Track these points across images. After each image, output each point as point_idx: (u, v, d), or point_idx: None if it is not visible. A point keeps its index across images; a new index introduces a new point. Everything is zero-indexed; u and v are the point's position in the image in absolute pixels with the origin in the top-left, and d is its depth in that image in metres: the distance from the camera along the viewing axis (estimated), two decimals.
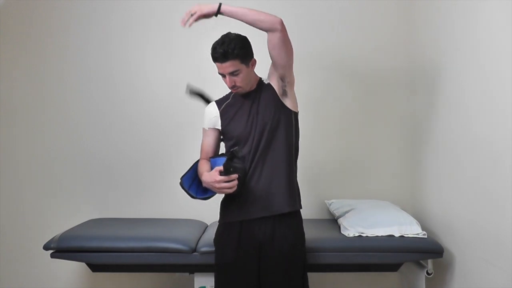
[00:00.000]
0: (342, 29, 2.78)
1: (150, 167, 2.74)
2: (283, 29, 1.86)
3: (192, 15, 1.89)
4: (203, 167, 1.97)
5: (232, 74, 1.88)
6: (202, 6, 1.88)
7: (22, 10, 2.71)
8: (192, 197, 1.99)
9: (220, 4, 1.87)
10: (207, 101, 2.09)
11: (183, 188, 1.99)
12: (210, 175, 1.84)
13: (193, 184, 2.02)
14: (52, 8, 2.72)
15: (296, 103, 2.03)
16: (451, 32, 2.25)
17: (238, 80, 1.90)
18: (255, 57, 1.97)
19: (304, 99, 2.71)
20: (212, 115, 2.04)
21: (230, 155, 1.84)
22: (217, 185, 1.81)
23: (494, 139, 1.86)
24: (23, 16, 2.72)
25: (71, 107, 2.74)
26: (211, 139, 2.06)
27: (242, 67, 1.89)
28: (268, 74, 2.00)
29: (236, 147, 1.94)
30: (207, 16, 1.89)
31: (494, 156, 1.86)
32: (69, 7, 2.72)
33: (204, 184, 1.91)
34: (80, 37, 2.74)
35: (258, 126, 1.94)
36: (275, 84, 1.97)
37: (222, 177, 1.80)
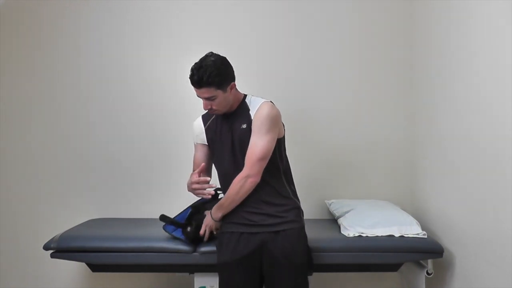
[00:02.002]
0: (341, 24, 2.78)
1: (150, 167, 2.74)
2: (255, 173, 1.91)
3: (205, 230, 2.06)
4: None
5: (207, 99, 1.90)
6: (209, 224, 2.04)
7: (23, 10, 2.71)
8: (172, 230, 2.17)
9: (210, 215, 2.02)
10: (178, 224, 2.16)
11: (165, 221, 2.12)
12: (190, 178, 1.96)
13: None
14: (54, 7, 2.72)
15: (282, 130, 2.04)
16: (452, 32, 2.25)
17: (214, 104, 1.92)
18: (238, 71, 1.98)
19: (303, 98, 2.74)
20: (198, 131, 2.10)
21: (194, 209, 2.12)
22: (191, 186, 1.93)
23: (494, 139, 1.86)
24: (24, 16, 2.71)
25: (71, 107, 2.74)
26: (201, 153, 2.12)
27: (218, 93, 1.89)
28: (253, 122, 1.96)
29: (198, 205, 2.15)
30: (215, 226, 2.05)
31: (494, 156, 1.86)
32: (69, 7, 2.72)
33: (188, 190, 1.99)
34: (83, 37, 2.74)
35: (234, 146, 1.97)
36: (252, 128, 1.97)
37: (195, 179, 1.92)
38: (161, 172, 2.74)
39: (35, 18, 2.72)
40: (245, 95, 2.05)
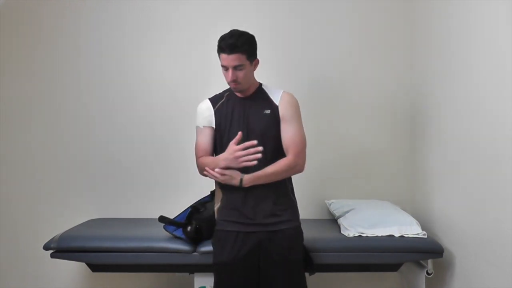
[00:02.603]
0: (344, 30, 2.79)
1: (150, 167, 2.74)
2: (303, 162, 1.94)
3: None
4: (210, 159, 1.95)
5: (235, 68, 1.88)
6: (233, 175, 1.86)
7: (23, 10, 2.71)
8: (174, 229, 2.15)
9: (241, 179, 1.87)
10: (178, 224, 2.15)
11: (166, 222, 2.12)
12: (227, 150, 1.85)
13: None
14: (54, 7, 2.72)
15: None
16: (453, 32, 2.25)
17: (241, 75, 1.90)
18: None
19: (303, 99, 2.73)
20: (206, 113, 2.02)
21: (193, 209, 2.09)
22: (236, 154, 1.81)
23: (494, 139, 1.86)
24: (24, 16, 2.71)
25: (71, 107, 2.74)
26: (208, 137, 2.02)
27: (247, 63, 1.90)
28: (281, 108, 1.97)
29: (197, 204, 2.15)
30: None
31: (494, 156, 1.86)
32: (69, 7, 2.72)
33: (223, 164, 1.86)
34: (83, 37, 2.74)
35: (251, 131, 1.94)
36: (282, 114, 1.97)
37: (239, 146, 1.81)
38: (161, 172, 2.73)
39: (35, 18, 2.72)
40: (260, 83, 2.05)
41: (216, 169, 1.85)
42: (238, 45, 1.85)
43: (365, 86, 2.78)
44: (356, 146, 2.78)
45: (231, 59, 1.86)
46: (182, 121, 2.69)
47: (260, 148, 1.81)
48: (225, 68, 1.90)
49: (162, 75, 2.75)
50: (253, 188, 1.90)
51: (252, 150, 1.80)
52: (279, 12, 2.77)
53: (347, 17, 2.78)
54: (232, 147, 1.84)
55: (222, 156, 1.88)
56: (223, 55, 1.88)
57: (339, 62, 2.78)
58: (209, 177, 1.94)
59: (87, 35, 2.74)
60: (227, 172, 1.86)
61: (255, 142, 1.81)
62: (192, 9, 2.75)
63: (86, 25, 2.74)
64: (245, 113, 1.96)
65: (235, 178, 1.87)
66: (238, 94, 2.00)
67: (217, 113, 2.00)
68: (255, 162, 1.82)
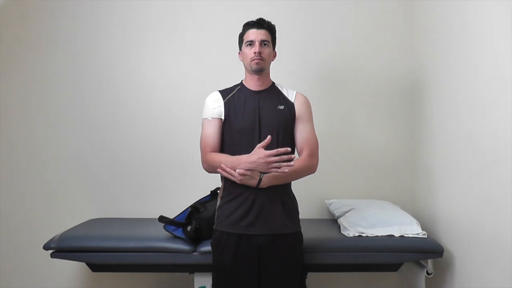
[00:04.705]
0: (345, 33, 2.79)
1: (150, 167, 2.74)
2: (317, 163, 1.99)
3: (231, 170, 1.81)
4: (225, 158, 1.87)
5: (262, 42, 1.93)
6: (253, 175, 1.80)
7: (22, 10, 2.71)
8: (174, 230, 2.16)
9: (260, 177, 1.82)
10: (178, 223, 2.16)
11: (168, 222, 2.14)
12: (256, 154, 1.78)
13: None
14: (53, 7, 2.72)
15: None
16: (452, 33, 2.25)
17: (266, 51, 1.94)
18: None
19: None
20: (215, 104, 1.97)
21: (193, 209, 2.12)
22: (268, 159, 1.75)
23: (494, 139, 1.86)
24: (24, 16, 2.71)
25: (71, 106, 2.73)
26: (216, 130, 1.94)
27: (270, 44, 1.97)
28: (298, 107, 1.99)
29: (197, 204, 2.17)
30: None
31: (494, 156, 1.86)
32: (69, 6, 2.72)
33: (249, 167, 1.79)
34: (83, 37, 2.74)
35: (263, 124, 1.91)
36: (298, 113, 1.98)
37: (272, 152, 1.75)
38: (161, 172, 2.73)
39: (35, 18, 2.72)
40: (273, 81, 2.06)
41: (238, 170, 1.78)
42: (266, 23, 1.96)
43: (364, 86, 2.78)
44: (356, 146, 2.78)
45: (260, 33, 1.94)
46: (183, 121, 2.70)
47: (293, 156, 1.79)
48: (251, 43, 1.94)
49: (163, 76, 2.75)
50: (263, 188, 1.85)
51: (285, 157, 1.75)
52: (277, 12, 2.76)
53: (346, 18, 2.79)
54: (262, 151, 1.77)
55: (248, 158, 1.79)
56: (251, 31, 1.95)
57: (337, 63, 2.78)
58: (221, 175, 1.88)
59: (88, 34, 2.74)
60: (248, 172, 1.79)
61: (289, 149, 1.77)
62: (192, 9, 2.76)
63: (87, 25, 2.74)
64: (258, 105, 1.94)
65: (255, 178, 1.81)
66: (250, 87, 1.99)
67: (226, 104, 1.96)
68: (286, 170, 1.76)
